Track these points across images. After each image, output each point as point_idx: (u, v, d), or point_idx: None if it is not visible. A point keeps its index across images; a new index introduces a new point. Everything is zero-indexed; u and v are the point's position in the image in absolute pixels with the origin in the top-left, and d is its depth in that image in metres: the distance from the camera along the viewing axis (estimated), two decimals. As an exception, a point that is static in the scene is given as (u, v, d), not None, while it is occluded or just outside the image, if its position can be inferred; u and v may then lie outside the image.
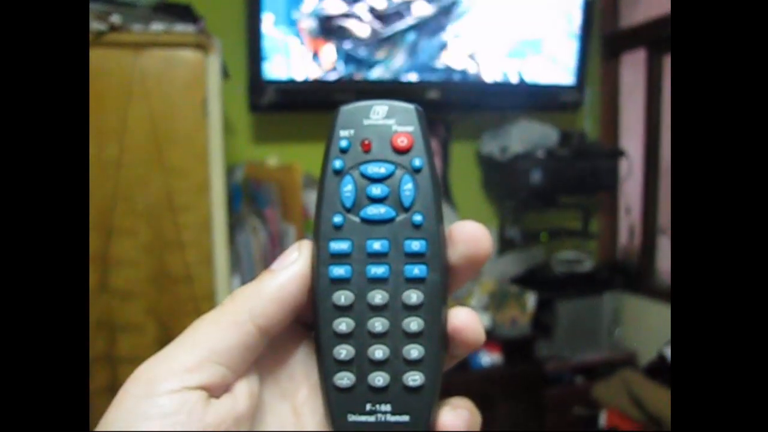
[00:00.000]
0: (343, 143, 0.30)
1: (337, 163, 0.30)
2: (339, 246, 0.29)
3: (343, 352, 0.29)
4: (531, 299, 2.14)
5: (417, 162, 0.30)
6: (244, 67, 1.89)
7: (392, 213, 0.30)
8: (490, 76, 2.09)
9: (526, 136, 2.17)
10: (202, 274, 1.37)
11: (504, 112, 2.24)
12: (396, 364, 0.29)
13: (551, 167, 2.12)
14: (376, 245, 0.29)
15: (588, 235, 2.44)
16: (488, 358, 2.01)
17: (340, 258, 0.29)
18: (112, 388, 1.40)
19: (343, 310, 0.29)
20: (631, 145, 2.45)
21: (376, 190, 0.30)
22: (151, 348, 0.28)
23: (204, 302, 1.36)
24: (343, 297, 0.29)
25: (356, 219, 0.30)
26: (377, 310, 0.29)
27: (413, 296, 0.29)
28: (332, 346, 0.29)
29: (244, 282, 1.53)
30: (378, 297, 0.29)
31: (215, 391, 0.28)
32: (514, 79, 2.13)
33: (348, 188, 0.30)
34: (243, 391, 0.29)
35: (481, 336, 0.30)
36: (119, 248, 1.34)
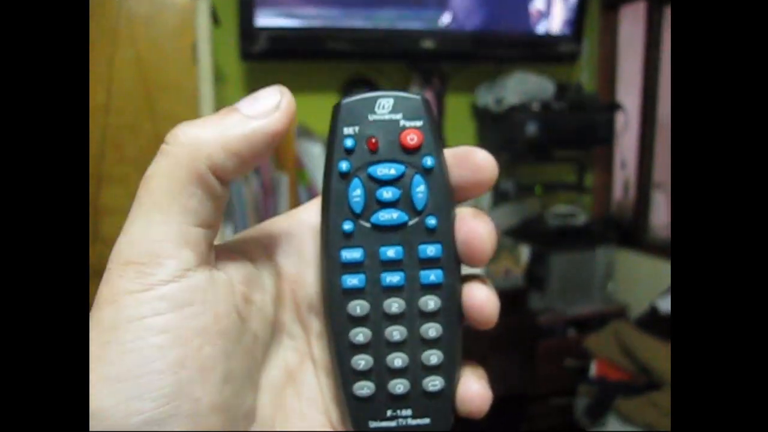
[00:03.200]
0: (348, 142, 0.28)
1: (344, 165, 0.28)
2: (351, 255, 0.28)
3: (362, 362, 0.28)
4: (525, 252, 2.14)
5: (428, 161, 0.28)
6: (235, 15, 1.85)
7: (404, 217, 0.28)
8: (485, 25, 2.06)
9: (522, 88, 2.14)
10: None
11: (500, 64, 2.20)
12: (415, 371, 0.29)
13: (547, 120, 2.09)
14: (390, 252, 0.28)
15: (582, 189, 2.44)
16: (481, 310, 2.02)
17: (352, 267, 0.28)
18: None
19: (359, 321, 0.28)
20: (628, 98, 2.42)
21: (387, 193, 0.28)
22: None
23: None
24: (358, 307, 0.28)
25: (367, 225, 0.28)
26: (394, 319, 0.28)
27: (430, 303, 0.28)
28: (350, 357, 0.28)
29: (237, 231, 1.52)
30: (395, 306, 0.28)
31: (210, 262, 0.25)
32: (509, 29, 2.09)
33: (357, 192, 0.28)
34: (230, 261, 0.27)
35: (494, 317, 0.28)
36: (110, 196, 1.32)
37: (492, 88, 2.19)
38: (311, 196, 1.60)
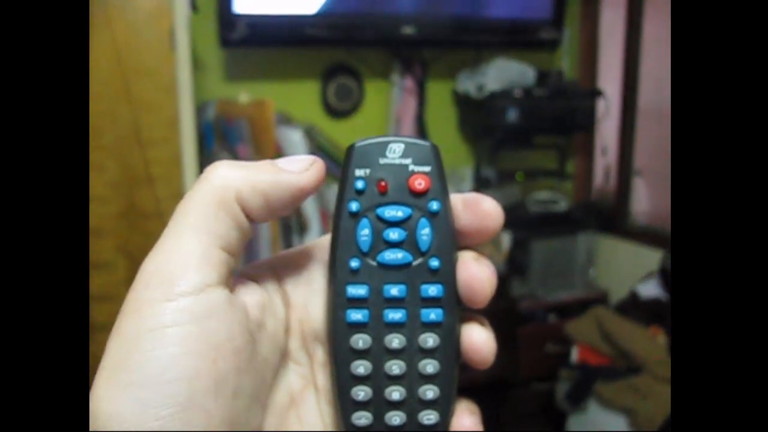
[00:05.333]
0: (359, 184, 0.29)
1: (354, 206, 0.29)
2: (356, 291, 0.29)
3: (361, 393, 0.30)
4: (506, 238, 2.15)
5: (434, 206, 0.29)
6: (214, 0, 1.82)
7: (409, 258, 0.29)
8: (466, 11, 2.05)
9: (503, 74, 2.14)
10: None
11: (481, 50, 2.20)
12: (412, 404, 0.30)
13: (528, 106, 2.10)
14: (394, 291, 0.29)
15: (564, 176, 2.45)
16: (463, 296, 2.02)
17: (357, 302, 0.29)
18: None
19: (361, 354, 0.30)
20: (609, 85, 2.43)
21: (393, 234, 0.29)
22: (123, 286, 0.26)
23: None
24: (361, 341, 0.30)
25: (373, 263, 0.30)
26: (394, 353, 0.30)
27: (429, 340, 0.30)
28: (350, 387, 0.30)
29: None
30: (395, 342, 0.30)
31: (228, 285, 0.27)
32: (490, 15, 2.09)
33: (365, 232, 0.29)
34: (248, 287, 0.29)
35: (490, 358, 0.31)
36: (87, 184, 1.30)
37: (473, 74, 2.18)
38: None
